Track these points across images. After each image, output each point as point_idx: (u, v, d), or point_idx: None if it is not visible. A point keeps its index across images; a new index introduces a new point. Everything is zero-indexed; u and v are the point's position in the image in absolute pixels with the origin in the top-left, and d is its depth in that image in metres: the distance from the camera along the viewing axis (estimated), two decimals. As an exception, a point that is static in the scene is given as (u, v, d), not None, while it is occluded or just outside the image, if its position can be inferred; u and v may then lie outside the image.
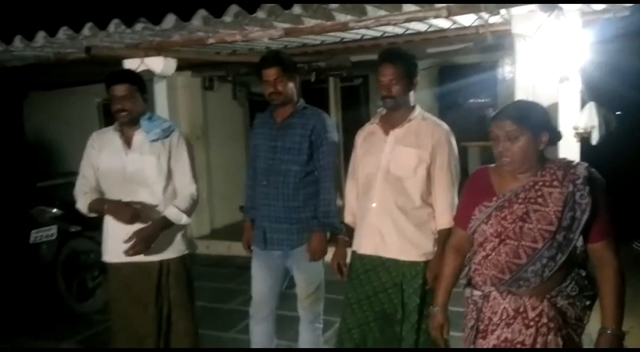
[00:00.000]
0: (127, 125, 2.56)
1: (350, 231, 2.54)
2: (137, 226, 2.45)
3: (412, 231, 2.32)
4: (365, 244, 2.41)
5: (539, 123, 1.76)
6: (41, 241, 3.98)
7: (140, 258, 2.51)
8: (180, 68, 5.00)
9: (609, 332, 1.70)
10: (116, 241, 2.51)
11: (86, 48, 3.21)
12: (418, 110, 2.40)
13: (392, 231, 2.33)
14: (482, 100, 6.59)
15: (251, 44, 3.76)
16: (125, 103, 2.48)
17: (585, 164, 1.77)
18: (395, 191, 2.32)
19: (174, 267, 2.61)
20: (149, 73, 3.37)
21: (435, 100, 6.58)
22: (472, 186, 1.94)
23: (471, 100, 6.70)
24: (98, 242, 4.19)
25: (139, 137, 2.57)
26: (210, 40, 2.95)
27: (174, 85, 5.97)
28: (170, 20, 2.77)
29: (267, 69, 2.60)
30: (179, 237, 2.63)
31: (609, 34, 3.37)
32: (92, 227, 4.01)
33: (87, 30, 3.05)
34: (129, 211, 2.42)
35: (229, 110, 6.99)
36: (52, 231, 4.03)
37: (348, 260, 2.54)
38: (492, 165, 1.91)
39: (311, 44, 4.00)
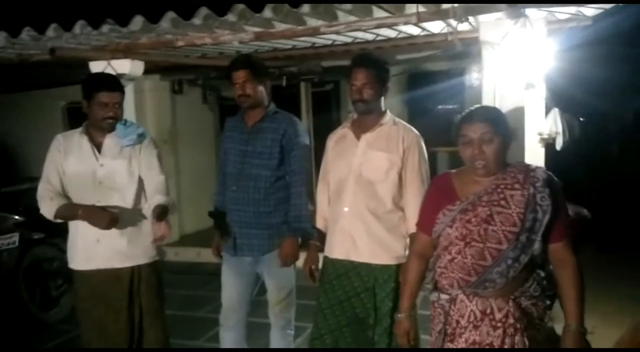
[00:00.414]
0: (102, 130, 2.48)
1: (322, 236, 2.53)
2: (109, 231, 2.38)
3: (384, 235, 2.34)
4: (337, 248, 2.41)
5: (507, 127, 1.83)
6: (2, 249, 3.85)
7: (112, 265, 2.45)
8: (148, 71, 4.92)
9: (572, 328, 1.76)
10: (86, 248, 2.44)
11: (50, 49, 3.12)
12: (389, 115, 2.42)
13: (364, 235, 2.34)
14: (450, 107, 6.69)
15: (221, 48, 3.72)
16: (116, 111, 2.43)
17: (544, 168, 1.84)
18: (367, 195, 2.33)
19: (145, 273, 2.55)
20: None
21: (405, 106, 6.65)
22: (435, 191, 1.97)
23: (439, 107, 6.79)
24: (62, 250, 4.10)
25: (109, 141, 2.50)
26: (180, 43, 2.91)
27: (142, 89, 5.86)
28: (137, 21, 2.72)
29: (237, 71, 2.58)
30: (149, 242, 2.56)
31: (573, 42, 3.47)
32: (56, 234, 3.92)
33: (51, 31, 2.96)
34: (107, 215, 2.34)
35: (199, 114, 6.91)
36: (14, 238, 3.91)
37: (320, 265, 2.52)
38: (454, 170, 1.96)
39: (282, 48, 3.99)
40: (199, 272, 5.40)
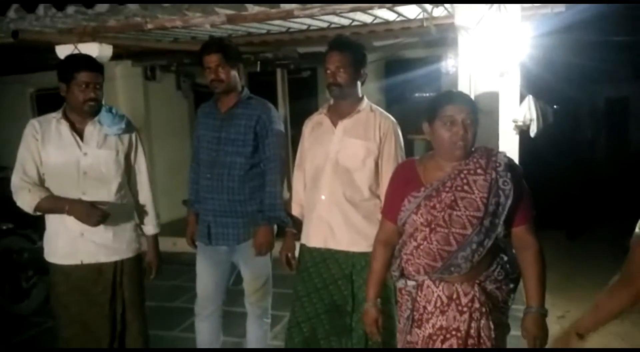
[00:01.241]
0: (83, 116, 2.34)
1: (298, 223, 2.51)
2: (97, 227, 2.28)
3: (361, 223, 2.32)
4: (314, 236, 2.39)
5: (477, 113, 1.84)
6: (-32, 240, 3.73)
7: (98, 259, 2.36)
8: (119, 57, 4.81)
9: (533, 310, 1.80)
10: (69, 242, 2.33)
11: (13, 32, 2.99)
12: (366, 102, 2.40)
13: (341, 223, 2.33)
14: (427, 94, 6.72)
15: (193, 32, 3.64)
16: (98, 93, 2.29)
17: (505, 152, 1.86)
18: (344, 183, 2.32)
19: (129, 266, 2.46)
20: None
21: (382, 93, 6.65)
22: (399, 178, 1.96)
23: (417, 94, 6.82)
24: (32, 240, 4.01)
25: (91, 128, 2.35)
26: (149, 26, 2.82)
27: (113, 75, 5.73)
28: (104, 3, 2.62)
29: (209, 55, 2.52)
30: (133, 235, 2.50)
31: (546, 29, 3.49)
32: (26, 224, 3.81)
33: (12, 12, 2.84)
34: (98, 214, 2.22)
35: (173, 101, 6.79)
36: (-20, 229, 3.79)
37: (297, 253, 2.50)
38: (417, 157, 1.96)
39: (257, 33, 3.93)
40: (174, 262, 5.29)
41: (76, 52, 3.09)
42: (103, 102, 2.40)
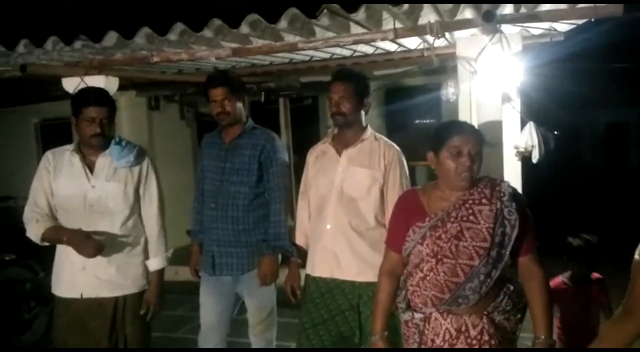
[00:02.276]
0: (94, 148, 2.35)
1: (302, 252, 2.49)
2: (96, 259, 2.26)
3: (367, 252, 2.30)
4: (320, 266, 2.37)
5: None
6: (-29, 270, 3.70)
7: (99, 294, 2.32)
8: (124, 87, 4.87)
9: (541, 341, 1.79)
10: (71, 274, 2.32)
11: (21, 66, 3.04)
12: (370, 130, 2.41)
13: (347, 252, 2.31)
14: (428, 121, 6.77)
15: (198, 64, 3.69)
16: (104, 127, 2.29)
17: (509, 182, 1.86)
18: (349, 212, 2.31)
19: (132, 301, 2.40)
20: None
21: (383, 120, 6.70)
22: (402, 208, 1.96)
23: (417, 121, 6.87)
24: (35, 271, 3.99)
25: (102, 161, 2.36)
26: (155, 59, 2.86)
27: (117, 105, 5.74)
28: (111, 37, 2.67)
29: (215, 88, 2.55)
30: (140, 271, 2.44)
31: (546, 58, 3.54)
32: (29, 255, 3.79)
33: (22, 47, 2.89)
34: (92, 245, 2.21)
35: (177, 130, 6.83)
36: (-17, 260, 3.77)
37: (302, 282, 2.48)
38: (419, 186, 1.97)
39: (260, 64, 3.98)
40: (176, 292, 5.26)
41: (83, 85, 3.13)
42: (118, 135, 2.42)
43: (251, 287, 2.63)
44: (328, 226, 2.33)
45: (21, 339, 3.95)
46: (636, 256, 1.45)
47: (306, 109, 7.30)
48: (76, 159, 2.35)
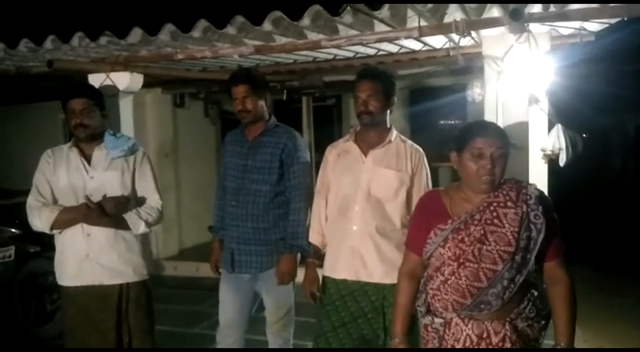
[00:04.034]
0: (86, 141, 2.46)
1: (318, 252, 2.44)
2: (99, 246, 2.35)
3: (392, 253, 2.25)
4: (343, 268, 2.31)
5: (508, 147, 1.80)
6: (-2, 262, 3.79)
7: (101, 281, 2.39)
8: (150, 85, 4.93)
9: (563, 348, 1.73)
10: (75, 263, 2.39)
11: (48, 61, 3.10)
12: (395, 132, 2.38)
13: (374, 255, 2.26)
14: (452, 122, 6.69)
15: (222, 61, 3.71)
16: (83, 118, 2.38)
17: (535, 185, 1.80)
18: (376, 214, 2.27)
19: (135, 292, 2.47)
20: (114, 88, 3.28)
21: (407, 121, 6.65)
22: (424, 210, 1.91)
23: (441, 122, 6.79)
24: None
25: (98, 153, 2.47)
26: (179, 56, 2.88)
27: (143, 102, 5.87)
28: (136, 34, 2.70)
29: (237, 86, 2.56)
30: (140, 259, 2.51)
31: (576, 58, 3.45)
32: (52, 247, 3.86)
33: (49, 43, 2.94)
34: (111, 203, 2.33)
35: (201, 128, 6.90)
36: (9, 252, 3.86)
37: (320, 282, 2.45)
38: (441, 187, 1.92)
39: (284, 62, 3.98)
40: (197, 287, 5.33)
41: (108, 81, 3.18)
42: (120, 130, 2.51)
43: (269, 285, 2.62)
44: (354, 227, 2.29)
45: (44, 330, 4.03)
46: None
47: (329, 108, 7.29)
48: (74, 154, 2.45)
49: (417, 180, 2.29)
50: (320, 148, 6.84)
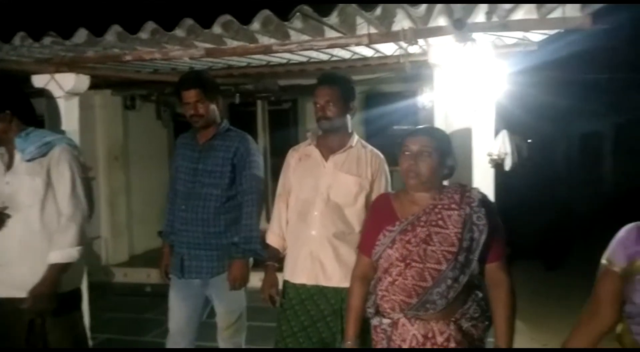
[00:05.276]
0: (6, 144, 2.35)
1: (278, 255, 2.42)
2: (10, 256, 2.21)
3: (350, 256, 2.24)
4: (303, 273, 2.31)
5: (446, 147, 1.87)
6: None
7: (12, 294, 2.20)
8: (98, 86, 4.79)
9: (501, 348, 1.79)
10: None
11: (-11, 61, 2.97)
12: (356, 137, 2.40)
13: (332, 259, 2.26)
14: (405, 127, 6.84)
15: (173, 64, 3.65)
16: None
17: (478, 188, 1.88)
18: (335, 219, 2.27)
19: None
20: (58, 90, 3.17)
21: (362, 126, 6.75)
22: (374, 213, 1.97)
23: (395, 127, 6.93)
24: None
25: (17, 157, 2.34)
26: (127, 58, 2.82)
27: (92, 104, 5.71)
28: (81, 35, 2.62)
29: (187, 90, 2.52)
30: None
31: (520, 66, 3.59)
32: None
33: (-11, 42, 2.82)
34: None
35: (152, 130, 6.76)
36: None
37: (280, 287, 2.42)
38: (393, 191, 2.00)
39: (237, 65, 3.95)
40: (147, 294, 5.21)
41: (52, 82, 3.07)
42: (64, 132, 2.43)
43: (220, 291, 2.59)
44: (313, 232, 2.28)
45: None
46: (603, 261, 1.54)
47: (285, 112, 7.29)
48: (4, 158, 2.37)
49: (376, 185, 2.31)
50: (276, 152, 6.83)
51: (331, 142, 2.35)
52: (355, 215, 2.29)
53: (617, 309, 1.54)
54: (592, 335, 1.56)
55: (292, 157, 2.45)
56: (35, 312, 2.19)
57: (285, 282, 2.38)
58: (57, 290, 2.23)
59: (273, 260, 2.42)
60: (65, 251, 2.25)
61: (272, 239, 2.46)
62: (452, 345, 1.76)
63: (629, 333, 1.53)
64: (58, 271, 2.23)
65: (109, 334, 4.05)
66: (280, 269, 2.40)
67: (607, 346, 1.64)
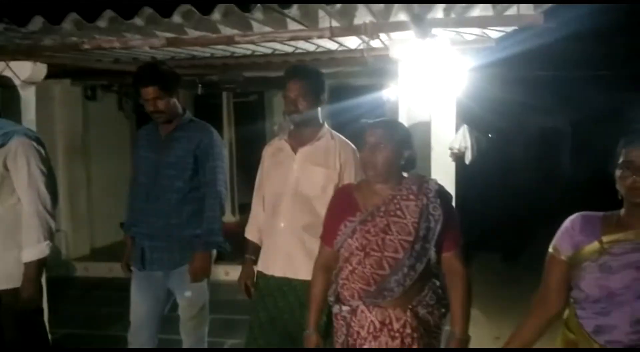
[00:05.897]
0: None
1: (256, 249, 2.44)
2: None
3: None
4: (272, 265, 2.32)
5: (402, 139, 1.91)
6: None
7: None
8: (57, 75, 4.65)
9: (456, 335, 1.87)
10: None
11: (-62, 48, 2.85)
12: (326, 128, 2.39)
13: (300, 252, 2.27)
14: (371, 121, 6.93)
15: (135, 53, 3.58)
16: None
17: (436, 179, 1.94)
18: (303, 211, 2.28)
19: (7, 301, 2.23)
20: (14, 79, 3.07)
21: (329, 118, 6.79)
22: (337, 203, 2.00)
23: (362, 120, 7.01)
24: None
25: None
26: (86, 46, 2.75)
27: (51, 94, 5.55)
28: (37, 22, 2.55)
29: (146, 87, 2.46)
30: (12, 263, 2.26)
31: (479, 62, 3.68)
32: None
33: (-62, 28, 2.71)
34: None
35: (114, 121, 6.62)
36: None
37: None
38: (355, 182, 2.05)
39: (201, 56, 3.91)
40: (110, 288, 5.13)
41: (7, 71, 2.98)
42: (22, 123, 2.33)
43: (182, 283, 2.58)
44: (282, 224, 2.30)
45: None
46: (550, 250, 1.63)
47: (251, 105, 7.24)
48: None
49: (346, 176, 2.30)
50: (241, 145, 6.80)
51: (301, 135, 2.35)
52: (324, 206, 2.28)
53: (565, 295, 1.65)
54: (542, 320, 1.67)
55: (267, 152, 2.46)
56: (28, 309, 2.25)
57: (258, 273, 2.40)
58: (40, 284, 2.29)
59: (251, 253, 2.44)
60: (34, 248, 2.25)
61: (250, 233, 2.48)
62: (408, 331, 1.81)
63: (574, 317, 1.62)
64: (35, 267, 2.25)
65: (68, 329, 3.97)
66: (256, 262, 2.42)
67: (556, 331, 1.74)
